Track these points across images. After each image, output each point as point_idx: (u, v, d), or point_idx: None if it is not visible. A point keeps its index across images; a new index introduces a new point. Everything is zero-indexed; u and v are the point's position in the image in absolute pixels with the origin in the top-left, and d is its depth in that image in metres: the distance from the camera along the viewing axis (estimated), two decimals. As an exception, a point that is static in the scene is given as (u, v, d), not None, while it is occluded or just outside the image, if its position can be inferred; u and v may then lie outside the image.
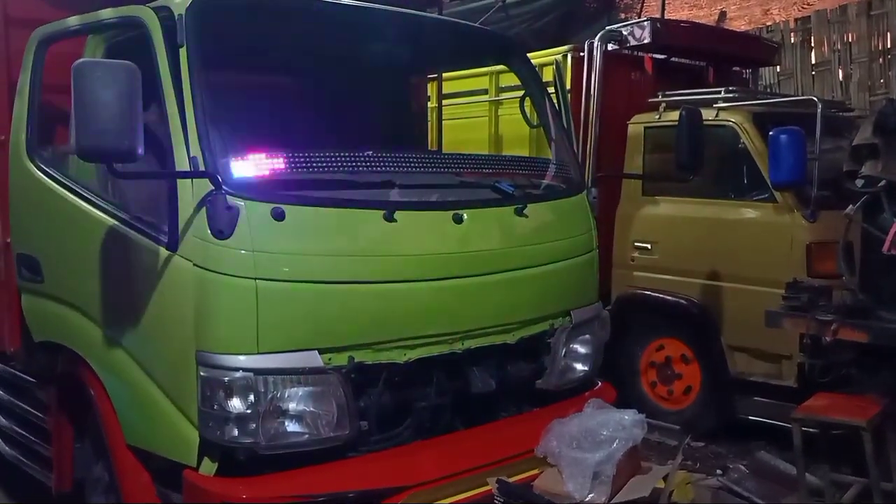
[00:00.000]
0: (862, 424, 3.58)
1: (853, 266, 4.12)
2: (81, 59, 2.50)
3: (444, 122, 5.45)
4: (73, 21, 3.36)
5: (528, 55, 4.13)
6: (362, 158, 2.98)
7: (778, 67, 8.58)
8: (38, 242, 3.50)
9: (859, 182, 4.06)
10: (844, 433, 3.77)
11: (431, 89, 5.42)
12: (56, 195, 3.29)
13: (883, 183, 3.95)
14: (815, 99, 5.19)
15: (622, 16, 9.33)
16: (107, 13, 3.17)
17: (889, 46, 7.94)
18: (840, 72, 8.50)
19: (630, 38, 5.78)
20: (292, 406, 2.71)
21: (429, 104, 5.31)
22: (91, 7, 3.28)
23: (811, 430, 3.92)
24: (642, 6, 9.56)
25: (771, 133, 4.50)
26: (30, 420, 3.71)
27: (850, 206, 4.06)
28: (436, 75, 5.32)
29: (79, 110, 2.38)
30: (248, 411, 2.63)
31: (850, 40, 8.42)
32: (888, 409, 3.75)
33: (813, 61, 8.79)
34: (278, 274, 2.68)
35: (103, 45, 3.25)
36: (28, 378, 3.72)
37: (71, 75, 2.40)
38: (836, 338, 3.87)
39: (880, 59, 8.15)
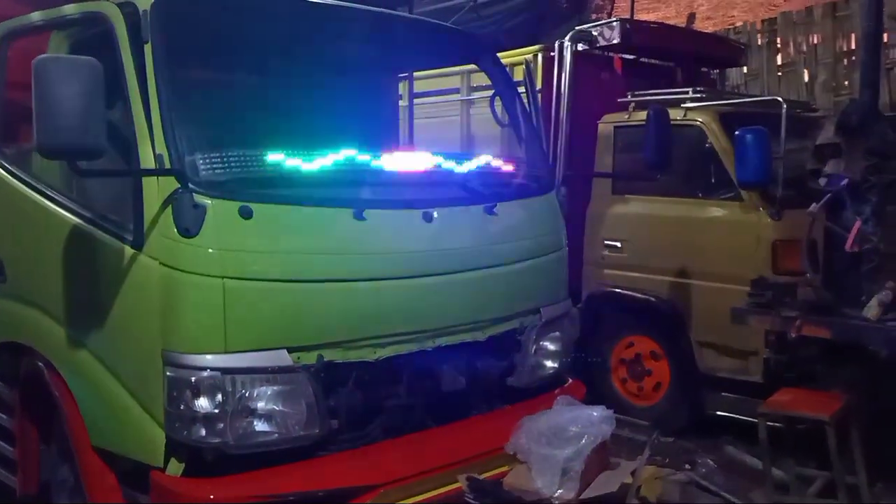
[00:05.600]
0: (826, 419, 3.65)
1: (817, 263, 4.20)
2: (42, 56, 2.46)
3: (415, 120, 5.45)
4: (37, 17, 3.31)
5: (499, 55, 4.15)
6: (331, 156, 2.97)
7: (745, 68, 8.68)
8: (1, 241, 3.44)
9: (823, 181, 4.13)
10: (809, 428, 3.83)
11: (402, 88, 5.41)
12: (19, 194, 3.25)
13: (845, 182, 4.03)
14: (780, 99, 5.26)
15: (593, 16, 9.41)
16: (70, 9, 3.13)
17: (853, 48, 8.06)
18: (805, 73, 8.62)
19: (600, 38, 5.83)
20: (261, 405, 2.69)
21: (400, 103, 5.30)
22: (55, 2, 3.23)
23: (777, 424, 3.98)
24: (612, 7, 9.65)
25: (737, 133, 4.57)
26: (-7, 422, 3.64)
27: (814, 204, 4.14)
28: (406, 74, 5.31)
29: (40, 107, 2.35)
30: (216, 411, 2.60)
31: (815, 42, 8.54)
32: (851, 404, 3.82)
33: (779, 62, 8.91)
34: (246, 272, 2.66)
35: (67, 41, 3.21)
36: (-9, 380, 3.65)
37: (32, 72, 2.36)
38: (800, 334, 3.94)
39: (845, 61, 8.27)
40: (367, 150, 3.15)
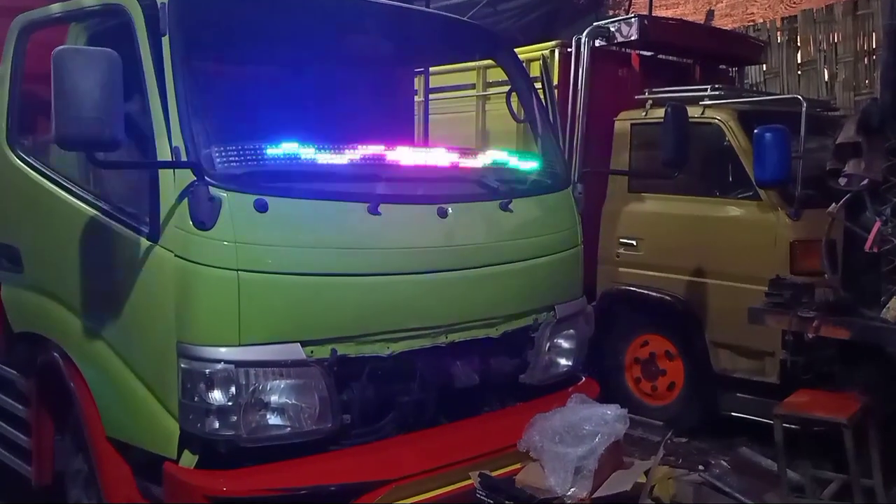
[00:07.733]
0: (843, 421, 3.61)
1: (836, 264, 4.15)
2: (61, 47, 2.46)
3: (430, 116, 5.43)
4: (56, 9, 3.32)
5: (516, 50, 4.12)
6: (347, 150, 2.96)
7: (764, 66, 8.61)
8: (19, 232, 3.47)
9: (842, 180, 4.08)
10: (826, 430, 3.80)
11: (418, 83, 5.40)
12: (37, 185, 3.26)
13: (865, 181, 3.97)
14: (800, 98, 5.21)
15: (610, 12, 9.34)
16: (89, 1, 3.14)
17: (875, 47, 7.97)
18: (826, 71, 8.53)
19: (617, 34, 5.79)
20: (274, 398, 2.70)
21: (415, 98, 5.29)
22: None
23: (793, 426, 3.95)
24: (630, 3, 9.58)
25: (756, 131, 4.52)
26: (9, 412, 3.67)
27: (834, 204, 4.09)
28: (423, 69, 5.30)
29: (59, 98, 2.35)
30: (230, 403, 2.61)
31: (836, 40, 8.45)
32: (869, 406, 3.78)
33: (799, 60, 8.82)
34: (260, 265, 2.66)
35: (86, 33, 3.22)
36: (7, 370, 3.68)
37: (51, 63, 2.37)
38: (817, 335, 3.90)
39: (866, 59, 8.18)
40: (382, 144, 3.15)
